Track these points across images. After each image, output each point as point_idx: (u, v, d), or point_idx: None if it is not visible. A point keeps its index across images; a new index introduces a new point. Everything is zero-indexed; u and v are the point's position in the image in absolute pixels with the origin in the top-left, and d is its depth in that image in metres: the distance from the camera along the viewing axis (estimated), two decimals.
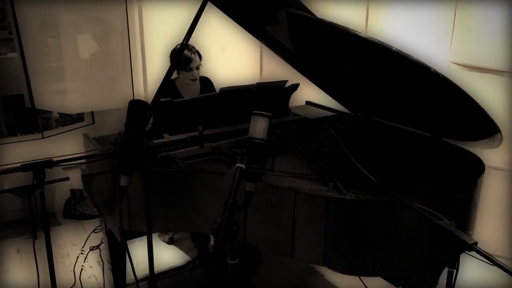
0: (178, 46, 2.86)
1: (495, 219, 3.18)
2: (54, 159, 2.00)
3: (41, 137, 3.85)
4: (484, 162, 2.34)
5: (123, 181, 1.69)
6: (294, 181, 2.20)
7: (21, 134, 3.90)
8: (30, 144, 3.78)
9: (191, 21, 2.25)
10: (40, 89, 3.56)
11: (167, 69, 2.15)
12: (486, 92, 2.71)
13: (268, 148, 1.37)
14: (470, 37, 3.13)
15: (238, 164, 1.33)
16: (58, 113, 4.19)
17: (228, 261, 1.35)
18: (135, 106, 1.66)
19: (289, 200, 2.00)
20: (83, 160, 2.48)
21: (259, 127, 1.36)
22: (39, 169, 1.91)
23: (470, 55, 3.13)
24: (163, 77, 2.12)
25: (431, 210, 1.58)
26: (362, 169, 1.91)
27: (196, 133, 2.43)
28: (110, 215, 2.48)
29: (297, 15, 2.05)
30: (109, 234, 2.56)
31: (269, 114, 1.38)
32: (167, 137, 2.43)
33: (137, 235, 2.40)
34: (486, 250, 1.40)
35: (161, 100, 2.35)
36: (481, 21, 3.04)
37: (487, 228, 3.08)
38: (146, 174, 1.87)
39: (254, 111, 1.38)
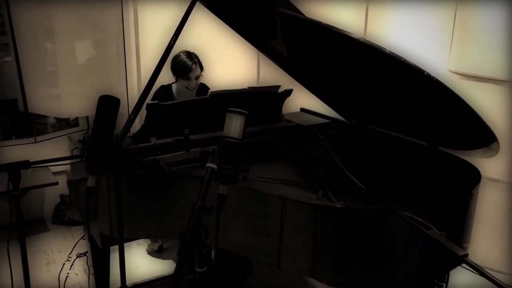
0: (182, 53, 2.89)
1: (492, 232, 3.07)
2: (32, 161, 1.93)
3: (34, 141, 3.79)
4: (482, 173, 2.24)
5: (90, 181, 1.59)
6: (283, 188, 2.13)
7: (15, 138, 3.85)
8: (22, 148, 3.72)
9: (179, 21, 2.22)
10: (35, 93, 3.52)
11: (159, 71, 2.11)
12: (485, 101, 2.63)
13: (243, 148, 1.28)
14: (469, 46, 3.06)
15: (208, 164, 1.25)
16: (55, 118, 4.14)
17: (196, 269, 1.26)
18: (105, 101, 1.58)
19: (277, 208, 1.92)
20: (61, 162, 2.39)
21: (234, 125, 1.27)
22: (13, 170, 1.82)
23: (469, 64, 3.06)
24: (156, 80, 2.08)
25: (419, 219, 1.49)
26: (350, 174, 1.83)
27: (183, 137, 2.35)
28: (92, 221, 2.39)
29: (287, 14, 1.98)
30: (91, 240, 2.48)
31: (245, 111, 1.29)
32: (154, 141, 2.35)
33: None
34: (481, 264, 1.31)
35: (149, 103, 2.29)
36: (480, 30, 2.97)
37: (483, 242, 2.98)
38: (116, 174, 1.76)
39: (229, 108, 1.30)
